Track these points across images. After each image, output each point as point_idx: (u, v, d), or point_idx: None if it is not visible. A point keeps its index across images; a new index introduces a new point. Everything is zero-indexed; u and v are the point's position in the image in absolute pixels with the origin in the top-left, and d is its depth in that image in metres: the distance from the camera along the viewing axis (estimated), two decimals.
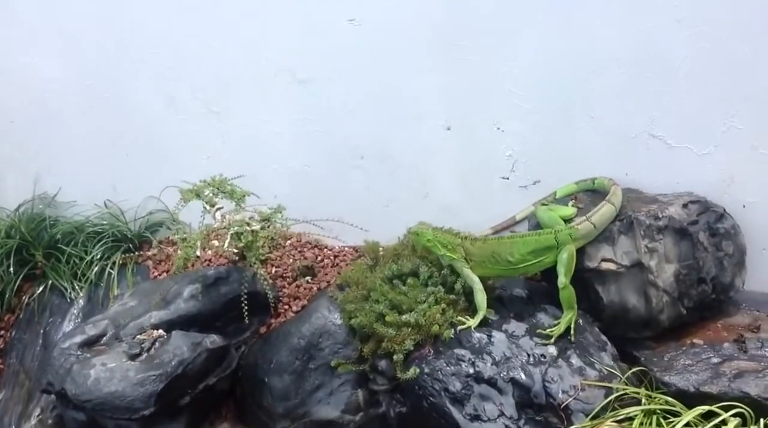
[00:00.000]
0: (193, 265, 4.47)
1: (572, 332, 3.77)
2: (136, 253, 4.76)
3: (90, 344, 3.94)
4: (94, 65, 4.71)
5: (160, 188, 4.59)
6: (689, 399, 3.54)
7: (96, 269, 4.58)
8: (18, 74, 4.84)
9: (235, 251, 3.82)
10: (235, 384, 4.21)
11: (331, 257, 4.68)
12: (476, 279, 3.83)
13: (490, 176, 4.44)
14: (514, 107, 4.27)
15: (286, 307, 4.39)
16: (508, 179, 4.42)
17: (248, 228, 3.72)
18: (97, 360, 3.78)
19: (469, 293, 3.90)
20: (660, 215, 3.90)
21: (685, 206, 3.97)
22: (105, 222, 4.81)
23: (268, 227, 3.79)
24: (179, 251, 3.71)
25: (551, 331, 3.79)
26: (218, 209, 3.80)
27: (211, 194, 3.79)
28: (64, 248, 4.63)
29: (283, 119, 4.56)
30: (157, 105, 4.69)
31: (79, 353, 3.87)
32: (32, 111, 4.86)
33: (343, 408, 3.96)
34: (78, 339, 3.94)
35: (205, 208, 3.83)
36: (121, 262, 4.66)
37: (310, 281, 4.48)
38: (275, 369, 4.02)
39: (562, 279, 3.76)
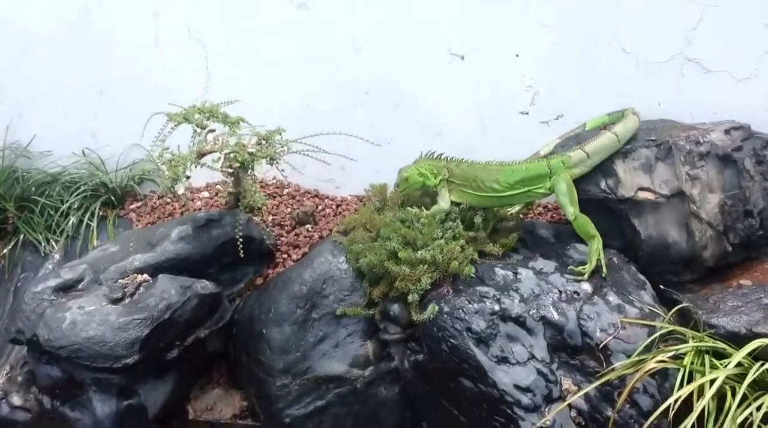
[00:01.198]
0: (182, 213, 4.05)
1: (604, 266, 3.39)
2: (119, 207, 4.31)
3: (66, 288, 3.51)
4: None
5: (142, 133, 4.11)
6: (741, 341, 3.14)
7: (73, 220, 4.15)
8: None
9: (230, 170, 3.37)
10: (229, 346, 3.81)
11: (333, 207, 4.28)
12: (446, 199, 3.57)
13: (508, 110, 4.07)
14: (534, 32, 3.90)
15: (285, 256, 3.98)
16: (527, 113, 4.06)
17: (245, 149, 3.28)
18: (74, 303, 3.35)
19: (487, 227, 3.58)
20: (701, 140, 3.53)
21: (727, 132, 3.62)
22: (84, 171, 4.36)
23: (268, 148, 3.35)
24: (167, 172, 3.26)
25: (583, 268, 3.39)
26: (210, 131, 3.37)
27: (202, 118, 3.36)
28: (38, 198, 4.19)
29: (279, 49, 4.15)
30: (136, 35, 4.27)
31: (53, 298, 3.44)
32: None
33: (351, 361, 3.55)
34: (52, 282, 3.51)
35: (195, 131, 3.40)
36: (101, 214, 4.22)
37: (310, 229, 4.08)
38: (274, 319, 3.59)
39: (570, 210, 3.42)
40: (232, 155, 3.32)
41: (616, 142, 3.54)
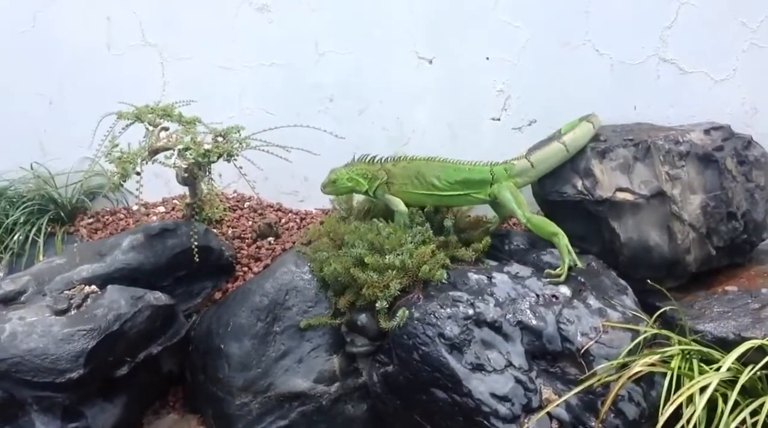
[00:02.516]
0: (136, 222, 3.83)
1: (576, 259, 3.24)
2: (68, 223, 4.06)
3: (6, 301, 3.24)
4: None
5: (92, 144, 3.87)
6: (729, 347, 2.97)
7: (18, 236, 3.88)
8: None
9: (185, 166, 3.15)
10: (185, 366, 3.56)
11: (297, 220, 4.09)
12: (398, 202, 3.42)
13: (479, 116, 3.92)
14: (504, 34, 3.77)
15: (246, 269, 3.76)
16: (499, 119, 3.90)
17: (200, 145, 3.07)
18: (14, 315, 3.10)
19: (457, 231, 3.39)
20: (681, 140, 3.40)
21: (707, 132, 3.51)
22: (31, 185, 4.11)
23: (225, 144, 3.14)
24: (115, 168, 3.03)
25: (559, 270, 3.20)
26: (163, 128, 3.16)
27: (155, 117, 3.16)
28: None
29: (237, 53, 3.98)
30: (88, 41, 4.06)
31: None
32: None
33: (316, 377, 3.31)
34: None
35: (147, 129, 3.19)
36: (49, 230, 3.96)
37: (272, 242, 3.86)
38: (233, 333, 3.36)
39: (520, 213, 3.33)
40: (187, 153, 3.09)
41: (564, 151, 3.42)
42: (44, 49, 4.08)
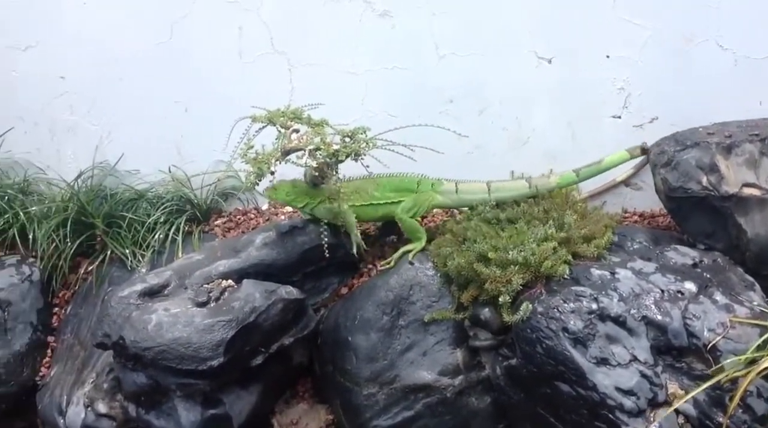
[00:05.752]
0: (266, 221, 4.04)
1: (410, 257, 3.59)
2: (204, 222, 4.30)
3: (152, 293, 3.47)
4: (152, 11, 4.34)
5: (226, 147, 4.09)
6: None
7: (159, 235, 4.12)
8: (72, 28, 4.45)
9: (315, 165, 3.32)
10: (313, 359, 3.72)
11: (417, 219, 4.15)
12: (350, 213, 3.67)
13: (599, 114, 3.93)
14: (625, 31, 3.77)
15: (370, 266, 3.88)
16: (620, 117, 3.90)
17: (330, 145, 3.23)
18: (160, 306, 3.31)
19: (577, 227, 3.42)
20: None
21: None
22: (170, 187, 4.38)
23: (353, 144, 3.29)
24: (251, 168, 3.23)
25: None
26: (294, 130, 3.34)
27: (286, 120, 3.34)
28: (125, 214, 4.20)
29: (361, 59, 4.12)
30: (221, 50, 4.28)
31: (139, 302, 3.40)
32: (89, 72, 4.47)
33: (440, 369, 3.41)
34: (138, 287, 3.47)
35: (279, 131, 3.37)
36: (187, 229, 4.20)
37: (396, 240, 3.96)
38: (360, 326, 3.49)
39: (399, 214, 3.66)
40: (317, 153, 3.26)
41: (485, 196, 3.69)
42: (180, 58, 4.32)
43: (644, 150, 3.71)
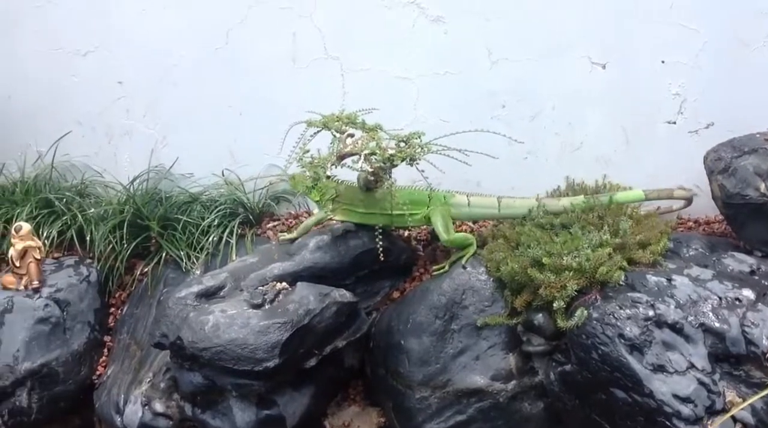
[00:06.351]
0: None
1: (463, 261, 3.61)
2: (256, 225, 4.35)
3: (208, 295, 3.53)
4: (208, 18, 4.39)
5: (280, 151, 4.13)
6: None
7: (213, 237, 4.18)
8: (130, 34, 4.53)
9: (370, 170, 3.35)
10: (365, 363, 3.75)
11: (469, 223, 4.17)
12: (312, 222, 3.81)
13: (654, 120, 3.91)
14: (680, 36, 3.75)
15: (422, 270, 3.90)
16: (675, 123, 3.88)
17: (385, 150, 3.26)
18: (216, 307, 3.36)
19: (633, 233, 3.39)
20: None
21: None
22: (223, 191, 4.44)
23: (407, 149, 3.32)
24: (306, 172, 3.27)
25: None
26: (349, 135, 3.37)
27: (341, 124, 3.38)
28: (180, 217, 4.27)
29: (414, 64, 4.14)
30: (275, 55, 4.32)
31: (196, 303, 3.47)
32: (146, 77, 4.55)
33: (493, 374, 3.43)
34: (195, 289, 3.54)
35: (334, 136, 3.41)
36: (240, 232, 4.25)
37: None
38: (412, 329, 3.51)
39: (444, 237, 3.63)
40: (373, 158, 3.29)
41: (495, 211, 3.74)
42: (235, 64, 4.37)
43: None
